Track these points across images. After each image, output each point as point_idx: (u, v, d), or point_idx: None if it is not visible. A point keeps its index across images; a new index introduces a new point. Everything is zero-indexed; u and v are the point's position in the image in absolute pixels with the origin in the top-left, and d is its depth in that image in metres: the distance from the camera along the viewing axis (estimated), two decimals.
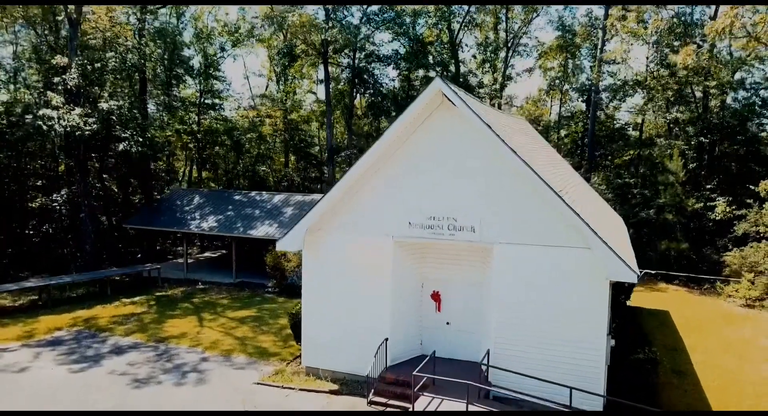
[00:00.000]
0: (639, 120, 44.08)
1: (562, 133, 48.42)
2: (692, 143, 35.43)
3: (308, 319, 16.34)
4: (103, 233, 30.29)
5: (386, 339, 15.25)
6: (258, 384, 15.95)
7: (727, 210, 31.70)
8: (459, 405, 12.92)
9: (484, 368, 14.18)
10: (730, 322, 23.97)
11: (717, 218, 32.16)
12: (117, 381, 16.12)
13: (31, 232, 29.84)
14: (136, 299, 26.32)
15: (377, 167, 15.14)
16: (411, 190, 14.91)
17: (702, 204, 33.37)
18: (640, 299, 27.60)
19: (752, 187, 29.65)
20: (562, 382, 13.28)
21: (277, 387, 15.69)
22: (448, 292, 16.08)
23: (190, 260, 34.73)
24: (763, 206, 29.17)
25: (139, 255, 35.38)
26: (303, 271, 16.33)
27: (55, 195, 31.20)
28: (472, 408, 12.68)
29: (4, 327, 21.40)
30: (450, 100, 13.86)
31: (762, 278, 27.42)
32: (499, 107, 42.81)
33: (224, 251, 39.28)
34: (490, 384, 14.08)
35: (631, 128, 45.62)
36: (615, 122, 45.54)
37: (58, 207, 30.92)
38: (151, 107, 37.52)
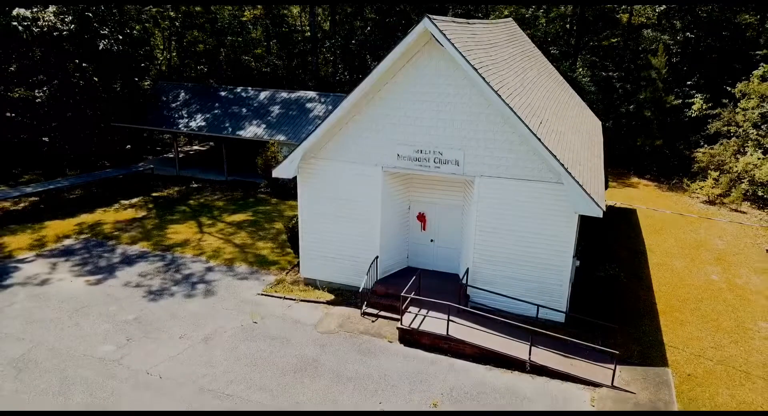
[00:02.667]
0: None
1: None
2: (678, 37, 35.16)
3: (305, 237, 17.85)
4: (94, 131, 30.46)
5: (377, 257, 16.95)
6: (262, 294, 17.86)
7: (703, 107, 32.64)
8: (440, 320, 14.95)
9: (464, 281, 16.09)
10: (689, 221, 26.12)
11: (693, 115, 33.17)
12: (133, 293, 17.88)
13: (18, 123, 29.71)
14: (134, 200, 27.53)
15: (368, 99, 15.67)
16: (400, 124, 15.64)
17: (680, 101, 34.11)
18: (613, 194, 29.58)
19: (728, 88, 30.33)
20: (529, 299, 15.34)
21: (279, 297, 17.62)
22: (432, 214, 17.52)
23: (180, 155, 35.40)
24: (737, 106, 30.13)
25: (128, 147, 35.66)
26: (299, 194, 17.51)
27: (37, 91, 30.79)
28: (452, 318, 14.69)
29: (14, 234, 22.70)
30: (438, 41, 14.11)
31: (726, 176, 29.24)
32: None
33: (211, 144, 39.80)
34: (468, 298, 16.09)
35: (620, 10, 44.34)
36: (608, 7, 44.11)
37: (41, 101, 30.62)
38: None
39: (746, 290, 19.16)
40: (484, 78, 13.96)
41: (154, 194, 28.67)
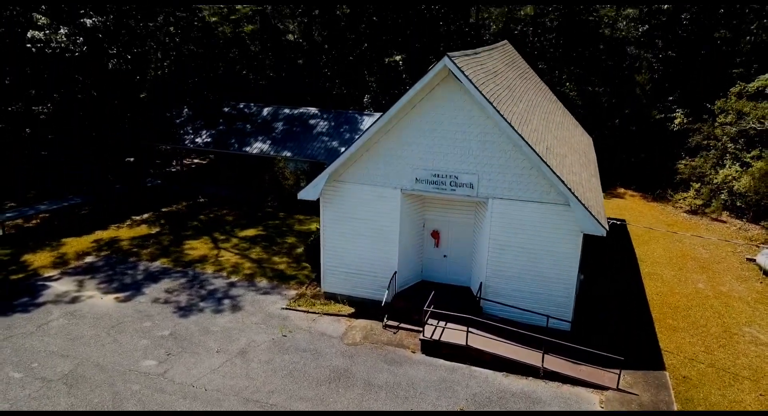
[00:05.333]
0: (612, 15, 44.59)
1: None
2: (660, 55, 37.17)
3: (327, 254, 19.06)
4: (100, 147, 31.21)
5: (395, 272, 18.25)
6: (286, 309, 19.02)
7: (684, 121, 34.61)
8: (458, 331, 16.29)
9: (477, 294, 17.46)
10: (674, 231, 27.90)
11: (675, 129, 35.13)
12: (164, 309, 18.89)
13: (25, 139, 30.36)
14: (146, 216, 28.41)
15: (388, 128, 16.99)
16: (418, 150, 16.99)
17: (663, 115, 36.07)
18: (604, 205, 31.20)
19: (708, 104, 32.31)
20: (539, 310, 16.78)
21: (303, 311, 18.80)
22: (445, 231, 18.89)
23: (180, 168, 36.27)
24: (716, 120, 32.10)
25: (131, 160, 36.26)
26: (321, 214, 18.72)
27: (42, 107, 31.37)
28: (470, 329, 16.04)
29: (34, 252, 23.47)
30: (456, 76, 15.49)
31: (706, 187, 31.15)
32: None
33: (211, 157, 40.64)
34: (482, 310, 17.47)
35: (603, 24, 46.20)
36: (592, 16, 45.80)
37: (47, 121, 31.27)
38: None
39: (730, 297, 20.87)
40: (498, 110, 15.38)
41: (164, 210, 29.56)
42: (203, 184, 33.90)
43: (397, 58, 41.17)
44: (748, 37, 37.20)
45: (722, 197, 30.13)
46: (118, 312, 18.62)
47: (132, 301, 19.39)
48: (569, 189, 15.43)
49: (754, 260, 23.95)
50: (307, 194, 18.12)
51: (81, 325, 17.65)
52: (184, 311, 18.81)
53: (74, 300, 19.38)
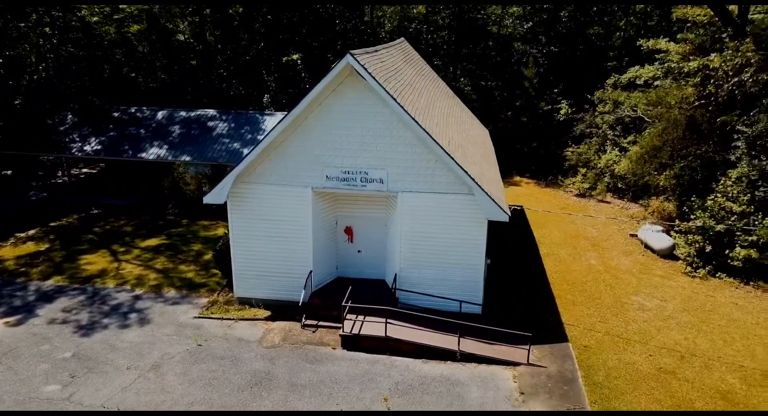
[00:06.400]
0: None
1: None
2: (544, 50, 39.75)
3: (238, 258, 18.63)
4: None
5: (311, 271, 18.22)
6: (199, 317, 18.38)
7: (569, 112, 37.27)
8: (376, 323, 16.60)
9: (393, 286, 17.88)
10: (566, 213, 30.05)
11: (561, 119, 37.73)
12: (62, 329, 17.58)
13: None
14: (32, 232, 26.19)
15: (294, 127, 16.90)
16: (327, 148, 17.05)
17: (550, 107, 38.62)
18: None
19: (588, 95, 35.03)
20: (452, 296, 17.48)
21: (217, 318, 18.27)
22: (358, 227, 19.12)
23: (68, 178, 33.75)
24: (596, 110, 34.88)
25: (9, 173, 33.29)
26: (230, 218, 18.25)
27: None
28: (388, 321, 16.39)
29: None
30: (359, 73, 15.72)
31: (592, 172, 33.78)
32: None
33: (101, 165, 38.17)
34: (398, 301, 17.89)
35: (491, 22, 48.66)
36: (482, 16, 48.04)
37: None
38: None
39: (618, 271, 22.87)
40: (402, 106, 15.81)
41: (52, 224, 27.37)
42: (96, 194, 31.73)
43: (295, 57, 40.81)
44: (618, 33, 40.70)
45: (605, 180, 32.78)
46: (9, 336, 17.11)
47: (25, 324, 17.87)
48: (473, 179, 16.19)
49: (636, 236, 26.37)
50: (213, 198, 17.61)
51: None
52: (86, 329, 17.63)
53: None
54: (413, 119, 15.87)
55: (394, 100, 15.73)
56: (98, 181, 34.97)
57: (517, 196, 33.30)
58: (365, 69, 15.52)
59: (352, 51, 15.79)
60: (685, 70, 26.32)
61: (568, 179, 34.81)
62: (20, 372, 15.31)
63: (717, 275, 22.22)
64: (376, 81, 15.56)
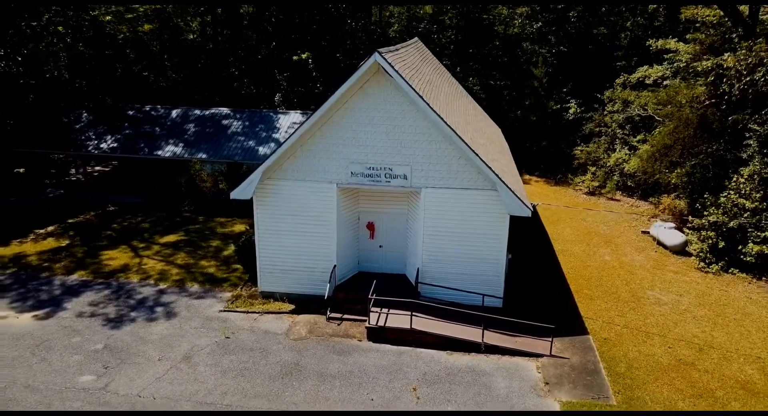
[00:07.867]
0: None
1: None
2: (553, 50, 40.11)
3: (263, 253, 18.96)
4: None
5: (335, 266, 18.55)
6: (225, 311, 18.71)
7: (578, 111, 37.64)
8: (401, 316, 16.94)
9: (415, 279, 18.22)
10: (578, 211, 30.40)
11: (570, 118, 38.10)
12: (92, 322, 17.89)
13: None
14: (50, 229, 26.48)
15: (321, 124, 17.24)
16: (352, 145, 17.40)
17: (559, 106, 38.99)
18: None
19: (597, 94, 35.40)
20: (473, 290, 17.82)
21: (243, 312, 18.59)
22: (379, 222, 19.46)
23: (82, 176, 34.03)
24: (605, 109, 35.26)
25: (22, 171, 33.48)
26: (255, 213, 18.58)
27: None
28: (413, 313, 16.75)
29: None
30: (386, 71, 16.07)
31: (601, 170, 34.15)
32: None
33: (114, 163, 38.43)
34: (420, 295, 18.22)
35: (497, 23, 48.98)
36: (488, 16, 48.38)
37: None
38: None
39: (633, 266, 23.22)
40: (428, 104, 16.17)
41: (70, 221, 27.66)
42: (110, 192, 32.01)
43: (305, 56, 41.14)
44: (626, 34, 41.06)
45: (615, 178, 33.15)
46: (40, 330, 17.42)
47: (53, 317, 18.18)
48: (496, 175, 16.53)
49: (648, 233, 26.72)
50: (240, 193, 17.94)
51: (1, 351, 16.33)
52: (115, 322, 17.95)
53: None
54: (439, 116, 16.22)
55: (421, 98, 16.08)
56: (112, 179, 35.21)
57: (528, 194, 33.52)
58: (393, 67, 15.87)
59: (380, 49, 16.13)
60: (698, 69, 26.68)
61: (578, 178, 35.18)
62: (54, 363, 15.63)
63: (730, 270, 22.59)
64: (404, 79, 15.91)
